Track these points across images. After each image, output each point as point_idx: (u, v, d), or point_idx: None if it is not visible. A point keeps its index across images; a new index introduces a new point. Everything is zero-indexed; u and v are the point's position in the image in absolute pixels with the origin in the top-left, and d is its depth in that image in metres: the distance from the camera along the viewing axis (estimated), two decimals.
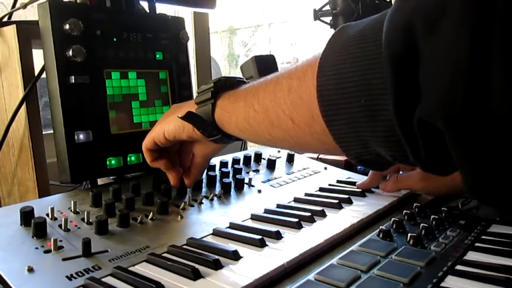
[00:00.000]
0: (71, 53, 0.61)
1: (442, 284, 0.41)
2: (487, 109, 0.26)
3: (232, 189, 0.70)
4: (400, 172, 0.74)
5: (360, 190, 0.70)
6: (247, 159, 0.81)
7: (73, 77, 0.62)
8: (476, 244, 0.50)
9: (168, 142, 0.59)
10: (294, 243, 0.49)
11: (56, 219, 0.52)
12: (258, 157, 0.83)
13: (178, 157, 0.65)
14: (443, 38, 0.27)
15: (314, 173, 0.83)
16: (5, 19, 0.73)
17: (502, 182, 0.29)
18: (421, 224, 0.53)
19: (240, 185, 0.71)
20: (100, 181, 0.68)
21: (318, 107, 0.36)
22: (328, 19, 1.15)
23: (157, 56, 0.74)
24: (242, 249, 0.48)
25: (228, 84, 0.52)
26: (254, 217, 0.60)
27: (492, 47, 0.25)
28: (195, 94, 1.25)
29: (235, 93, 0.50)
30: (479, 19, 0.26)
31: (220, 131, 0.52)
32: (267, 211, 0.62)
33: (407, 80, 0.30)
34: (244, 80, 0.54)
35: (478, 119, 0.27)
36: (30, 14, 0.78)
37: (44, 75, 0.65)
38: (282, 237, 0.51)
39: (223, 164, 0.76)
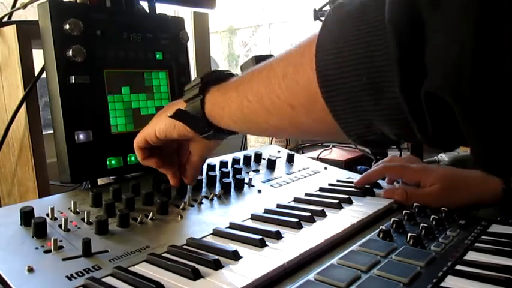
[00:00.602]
0: (71, 53, 0.61)
1: (442, 284, 0.41)
2: (496, 81, 0.26)
3: (232, 189, 0.70)
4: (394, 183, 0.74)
5: (360, 190, 0.70)
6: (247, 159, 0.81)
7: (73, 77, 0.62)
8: (476, 244, 0.50)
9: (160, 141, 0.58)
10: (294, 243, 0.49)
11: (56, 219, 0.52)
12: (258, 157, 0.83)
13: (176, 156, 0.65)
14: (449, 12, 0.27)
15: (314, 173, 0.83)
16: (5, 19, 0.73)
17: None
18: (421, 224, 0.53)
19: (240, 185, 0.71)
20: (100, 181, 0.68)
21: (318, 88, 0.35)
22: None
23: (157, 56, 0.74)
24: (242, 249, 0.48)
25: (216, 78, 0.51)
26: (254, 217, 0.60)
27: (500, 20, 0.25)
28: None
29: (225, 85, 0.49)
30: None
31: (212, 126, 0.51)
32: (267, 211, 0.62)
33: (413, 55, 0.29)
34: (233, 73, 0.53)
35: (487, 91, 0.27)
36: (30, 14, 0.78)
37: (44, 75, 0.65)
38: (282, 237, 0.51)
39: (223, 164, 0.76)
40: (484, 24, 0.26)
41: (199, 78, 0.51)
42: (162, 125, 0.56)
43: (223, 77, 0.51)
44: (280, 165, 0.84)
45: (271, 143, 1.16)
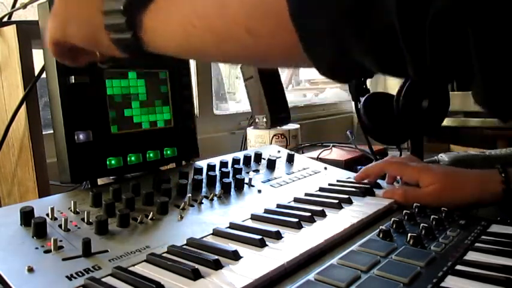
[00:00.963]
0: None
1: (442, 284, 0.41)
2: None
3: (232, 189, 0.70)
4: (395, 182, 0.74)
5: (360, 190, 0.70)
6: (247, 159, 0.81)
7: (73, 77, 0.62)
8: (476, 244, 0.50)
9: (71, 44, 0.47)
10: (294, 243, 0.49)
11: (56, 219, 0.52)
12: (258, 157, 0.83)
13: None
14: None
15: (314, 173, 0.83)
16: (5, 19, 0.73)
17: None
18: (421, 224, 0.53)
19: (240, 185, 0.71)
20: (100, 181, 0.68)
21: (287, 9, 0.30)
22: None
23: None
24: (242, 249, 0.48)
25: (139, 3, 0.39)
26: (254, 217, 0.60)
27: None
28: (195, 94, 1.25)
29: (165, 8, 0.38)
30: None
31: (150, 54, 0.43)
32: (267, 211, 0.62)
33: None
34: None
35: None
36: (30, 14, 0.78)
37: (44, 75, 0.65)
38: (282, 237, 0.51)
39: (223, 164, 0.76)
40: None
41: (121, 3, 0.39)
42: (77, 38, 0.46)
43: None
44: (280, 165, 0.84)
45: (271, 143, 1.16)
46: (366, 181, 0.75)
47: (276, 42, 0.32)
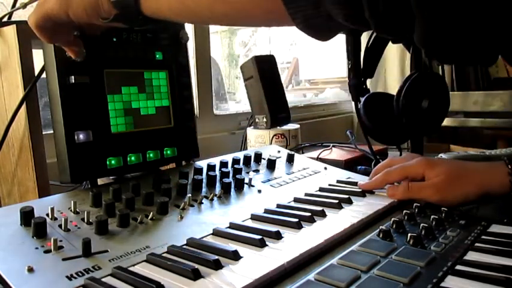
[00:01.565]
0: None
1: (442, 284, 0.41)
2: None
3: (232, 189, 0.70)
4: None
5: (360, 190, 0.70)
6: (247, 159, 0.81)
7: (73, 77, 0.62)
8: (476, 244, 0.50)
9: (70, 22, 0.52)
10: (294, 243, 0.49)
11: (56, 219, 0.52)
12: (258, 157, 0.83)
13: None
14: None
15: (314, 173, 0.83)
16: (5, 19, 0.73)
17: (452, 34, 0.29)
18: (421, 224, 0.53)
19: (240, 185, 0.71)
20: (100, 181, 0.68)
21: None
22: None
23: (157, 56, 0.74)
24: (242, 249, 0.48)
25: None
26: (254, 217, 0.60)
27: None
28: (195, 94, 1.25)
29: None
30: None
31: (149, 19, 0.46)
32: (267, 211, 0.62)
33: None
34: None
35: None
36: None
37: (44, 75, 0.65)
38: (282, 237, 0.51)
39: (223, 164, 0.76)
40: None
41: None
42: (79, 10, 0.49)
43: None
44: (280, 165, 0.84)
45: (271, 143, 1.16)
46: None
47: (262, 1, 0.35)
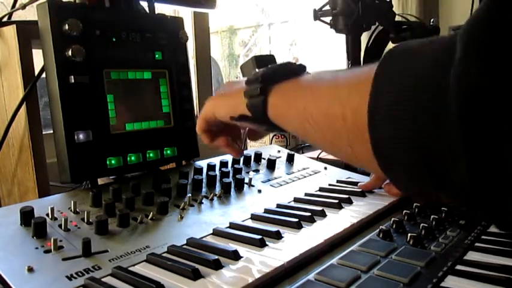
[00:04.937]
0: (70, 53, 0.61)
1: (442, 284, 0.41)
2: None
3: (232, 189, 0.70)
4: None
5: (360, 190, 0.70)
6: (247, 159, 0.81)
7: (73, 77, 0.62)
8: (476, 244, 0.50)
9: (221, 122, 0.59)
10: (294, 243, 0.49)
11: (56, 219, 0.52)
12: (258, 157, 0.83)
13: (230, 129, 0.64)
14: None
15: (314, 173, 0.83)
16: (5, 19, 0.73)
17: None
18: (421, 224, 0.53)
19: (240, 185, 0.71)
20: (100, 181, 0.68)
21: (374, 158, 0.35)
22: (328, 19, 1.15)
23: (157, 55, 0.74)
24: (242, 249, 0.48)
25: (276, 77, 0.49)
26: (254, 217, 0.60)
27: None
28: (195, 94, 1.25)
29: (286, 94, 0.47)
30: None
31: (277, 126, 0.50)
32: (267, 211, 0.62)
33: (484, 149, 0.27)
34: (293, 64, 0.51)
35: None
36: (30, 14, 0.78)
37: (44, 75, 0.65)
38: (282, 237, 0.51)
39: (223, 164, 0.76)
40: None
41: (260, 74, 0.49)
42: (222, 112, 0.56)
43: (286, 74, 0.49)
44: (280, 165, 0.84)
45: (271, 143, 1.16)
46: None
47: (371, 162, 0.36)
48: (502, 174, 0.27)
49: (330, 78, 0.43)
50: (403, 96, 0.31)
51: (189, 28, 1.23)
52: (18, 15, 0.77)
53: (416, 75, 0.31)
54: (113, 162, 0.66)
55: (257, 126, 0.53)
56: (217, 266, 0.44)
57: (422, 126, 0.30)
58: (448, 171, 0.29)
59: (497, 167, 0.27)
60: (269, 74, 0.49)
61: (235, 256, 0.46)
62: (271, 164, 0.82)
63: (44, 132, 0.72)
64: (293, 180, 0.78)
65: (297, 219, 0.55)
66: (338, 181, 0.79)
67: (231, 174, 0.73)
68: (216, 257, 0.45)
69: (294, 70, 0.49)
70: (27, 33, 0.69)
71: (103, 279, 0.42)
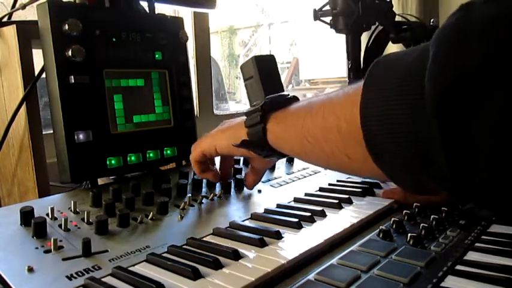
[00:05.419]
0: (70, 53, 0.61)
1: (442, 284, 0.41)
2: None
3: (232, 189, 0.70)
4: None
5: (360, 190, 0.70)
6: (247, 159, 0.81)
7: (72, 77, 0.62)
8: (476, 244, 0.50)
9: (218, 155, 0.63)
10: (294, 243, 0.49)
11: (56, 219, 0.52)
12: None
13: (222, 162, 0.70)
14: (495, 106, 0.29)
15: (314, 173, 0.83)
16: (5, 19, 0.73)
17: None
18: (421, 224, 0.53)
19: (240, 185, 0.71)
20: (100, 181, 0.68)
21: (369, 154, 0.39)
22: (328, 19, 1.15)
23: (157, 55, 0.74)
24: (242, 249, 0.48)
25: (274, 105, 0.54)
26: (254, 217, 0.60)
27: None
28: (195, 94, 1.26)
29: (284, 119, 0.52)
30: None
31: (275, 151, 0.54)
32: (267, 211, 0.62)
33: (458, 140, 0.32)
34: (288, 95, 0.56)
35: None
36: (30, 14, 0.78)
37: (44, 75, 0.65)
38: (282, 237, 0.51)
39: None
40: None
41: (260, 104, 0.54)
42: (224, 143, 0.60)
43: (283, 103, 0.54)
44: (280, 165, 0.84)
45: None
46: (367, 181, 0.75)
47: (368, 165, 0.40)
48: (469, 152, 0.32)
49: (324, 97, 0.47)
50: (388, 98, 0.36)
51: (189, 28, 1.23)
52: (18, 15, 0.77)
53: (397, 81, 0.36)
54: (113, 162, 0.66)
55: (257, 151, 0.56)
56: (217, 266, 0.44)
57: (409, 122, 0.34)
58: (432, 159, 0.34)
59: (467, 147, 0.32)
60: (267, 104, 0.54)
61: (235, 256, 0.46)
62: None
63: (44, 132, 0.72)
64: (293, 180, 0.78)
65: (297, 219, 0.55)
66: (338, 181, 0.79)
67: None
68: (216, 257, 0.45)
69: (289, 100, 0.54)
70: (27, 33, 0.69)
71: (103, 279, 0.42)
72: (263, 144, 0.54)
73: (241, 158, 0.80)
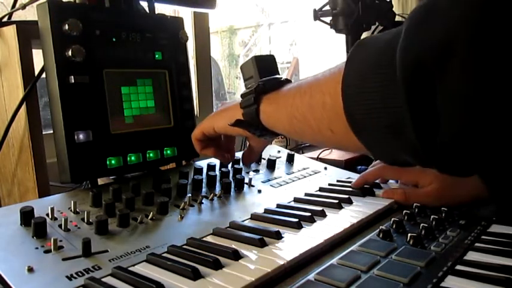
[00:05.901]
0: (70, 53, 0.61)
1: (442, 284, 0.41)
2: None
3: (232, 189, 0.70)
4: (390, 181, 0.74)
5: (360, 190, 0.70)
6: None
7: (72, 77, 0.62)
8: (476, 244, 0.50)
9: (217, 134, 0.66)
10: (294, 243, 0.49)
11: (56, 219, 0.52)
12: (258, 157, 0.83)
13: (224, 142, 0.73)
14: (453, 76, 0.32)
15: (314, 173, 0.83)
16: (5, 19, 0.73)
17: None
18: (421, 224, 0.53)
19: (240, 185, 0.71)
20: (100, 181, 0.68)
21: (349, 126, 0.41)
22: (328, 19, 1.15)
23: (157, 56, 0.74)
24: (242, 249, 0.48)
25: (267, 87, 0.56)
26: (254, 217, 0.60)
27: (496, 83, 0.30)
28: (195, 94, 1.26)
29: (276, 99, 0.55)
30: (484, 60, 0.30)
31: (267, 130, 0.57)
32: (267, 211, 0.62)
33: (424, 111, 0.34)
34: (281, 78, 0.58)
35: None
36: (30, 14, 0.78)
37: (44, 75, 0.65)
38: (282, 237, 0.51)
39: (223, 164, 0.76)
40: (483, 88, 0.31)
41: (254, 87, 0.57)
42: (221, 123, 0.63)
43: (274, 85, 0.57)
44: (280, 165, 0.84)
45: (271, 143, 1.16)
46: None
47: (349, 138, 0.43)
48: (433, 118, 0.34)
49: (312, 78, 0.50)
50: (366, 73, 0.39)
51: (189, 28, 1.23)
52: (18, 15, 0.77)
53: (374, 57, 0.39)
54: (113, 162, 0.66)
55: (252, 130, 0.58)
56: (217, 266, 0.44)
57: (383, 95, 0.37)
58: (402, 130, 0.36)
59: (431, 114, 0.34)
60: (261, 86, 0.56)
61: (235, 256, 0.46)
62: (271, 164, 0.82)
63: (44, 132, 0.72)
64: (293, 180, 0.78)
65: (297, 219, 0.55)
66: (338, 181, 0.79)
67: (231, 174, 0.73)
68: (216, 257, 0.45)
69: (281, 82, 0.57)
70: (27, 33, 0.69)
71: (103, 279, 0.42)
72: (257, 123, 0.57)
73: (241, 158, 0.80)
